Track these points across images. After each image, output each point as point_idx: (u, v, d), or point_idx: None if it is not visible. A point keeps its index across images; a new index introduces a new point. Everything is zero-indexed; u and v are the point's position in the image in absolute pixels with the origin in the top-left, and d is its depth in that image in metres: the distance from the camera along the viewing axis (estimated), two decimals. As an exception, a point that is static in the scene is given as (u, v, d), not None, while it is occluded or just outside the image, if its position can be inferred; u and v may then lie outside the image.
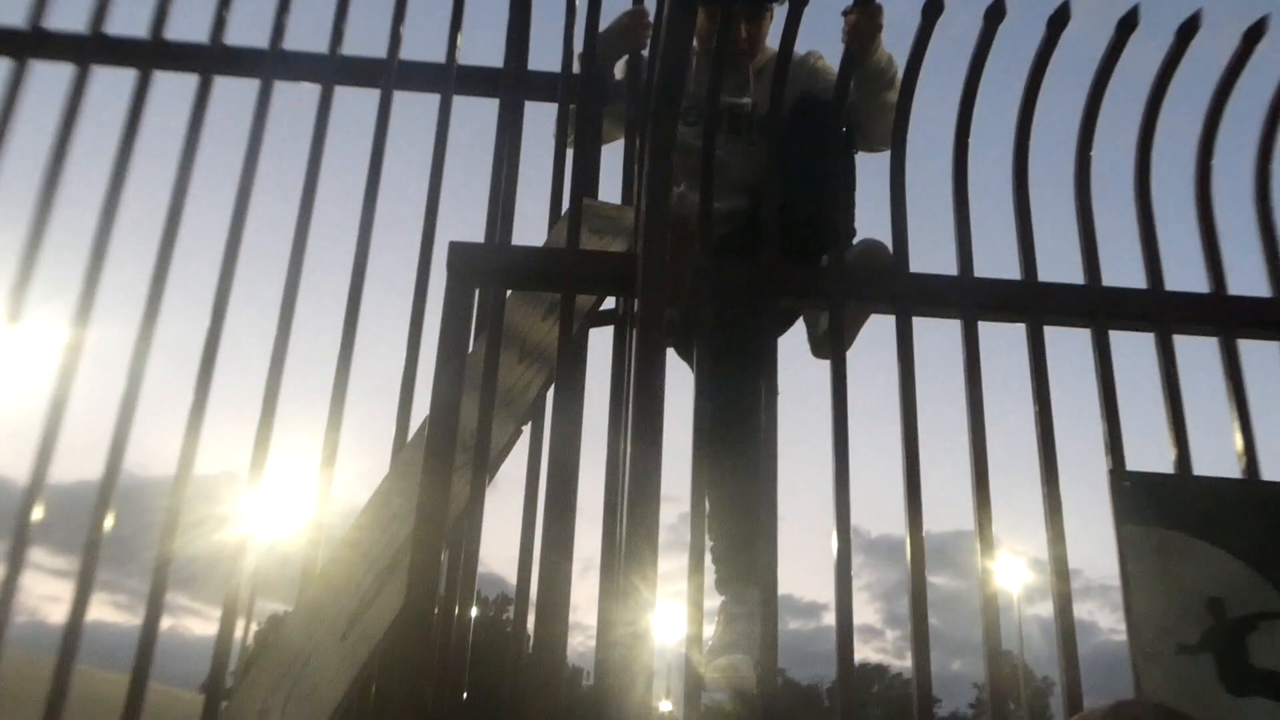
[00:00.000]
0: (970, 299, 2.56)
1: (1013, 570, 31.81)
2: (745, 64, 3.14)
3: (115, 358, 2.78)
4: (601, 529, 2.45)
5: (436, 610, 2.30)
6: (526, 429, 2.57)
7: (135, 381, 2.62)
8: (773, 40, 3.24)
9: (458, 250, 2.51)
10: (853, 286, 2.57)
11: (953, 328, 2.59)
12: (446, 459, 2.32)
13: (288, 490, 2.64)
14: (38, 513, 2.52)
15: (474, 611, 2.44)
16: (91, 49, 2.95)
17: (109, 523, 2.51)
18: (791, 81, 2.81)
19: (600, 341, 2.70)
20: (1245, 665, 2.24)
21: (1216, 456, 2.52)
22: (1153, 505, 2.37)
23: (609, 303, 2.69)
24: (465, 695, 2.37)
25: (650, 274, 2.32)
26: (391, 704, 2.27)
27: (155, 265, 2.73)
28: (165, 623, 2.47)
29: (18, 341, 2.70)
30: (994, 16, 2.60)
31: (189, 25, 2.99)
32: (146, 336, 2.67)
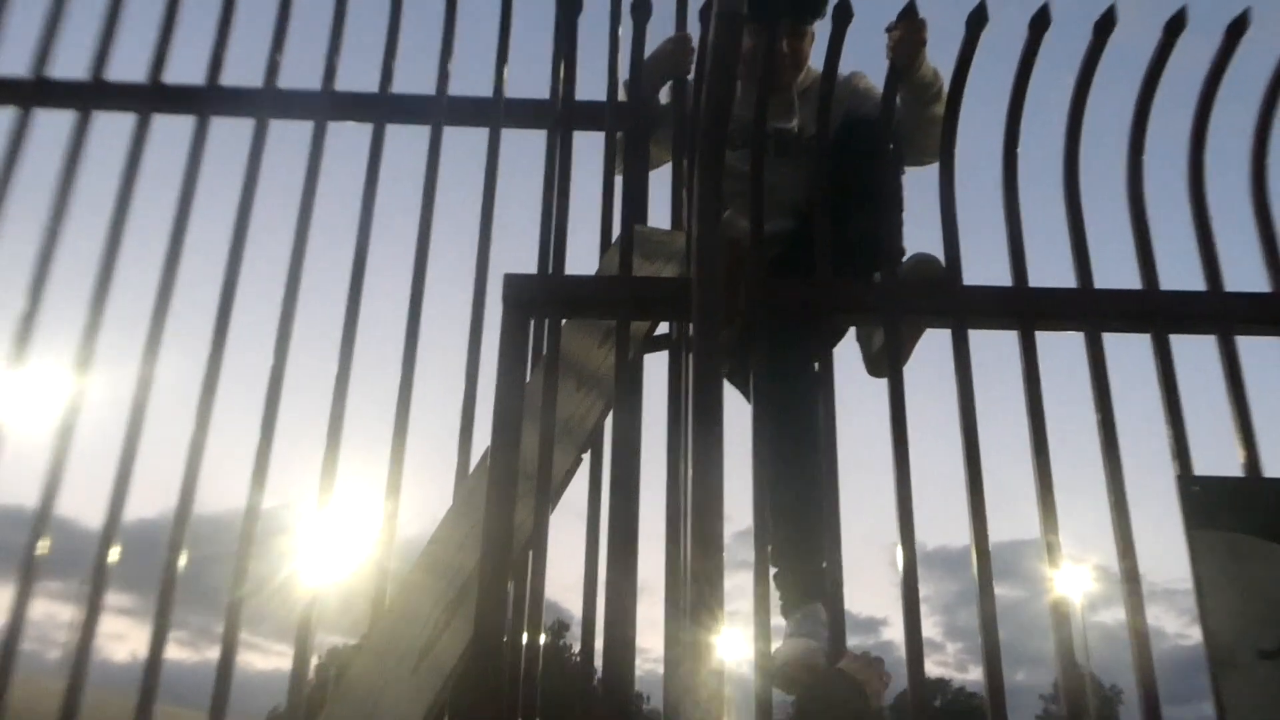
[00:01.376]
0: (1027, 309, 2.54)
1: (1075, 578, 31.28)
2: (790, 84, 3.15)
3: (176, 398, 2.85)
4: (665, 554, 2.45)
5: (505, 639, 2.32)
6: (586, 456, 2.59)
7: (203, 422, 2.68)
8: (815, 62, 3.24)
9: (512, 281, 2.53)
10: (907, 301, 2.56)
11: (999, 339, 2.57)
12: (510, 489, 2.35)
13: (350, 523, 2.68)
14: (114, 554, 2.58)
15: (543, 639, 2.45)
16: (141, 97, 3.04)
17: (182, 562, 2.56)
18: (836, 102, 2.82)
19: (656, 366, 2.73)
20: (1327, 670, 2.20)
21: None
22: (1223, 509, 2.34)
23: (662, 327, 2.71)
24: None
25: (705, 297, 2.34)
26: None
27: (219, 306, 2.79)
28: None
29: (78, 388, 2.77)
30: (1039, 25, 2.59)
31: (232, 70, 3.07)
32: (212, 380, 2.72)
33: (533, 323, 2.63)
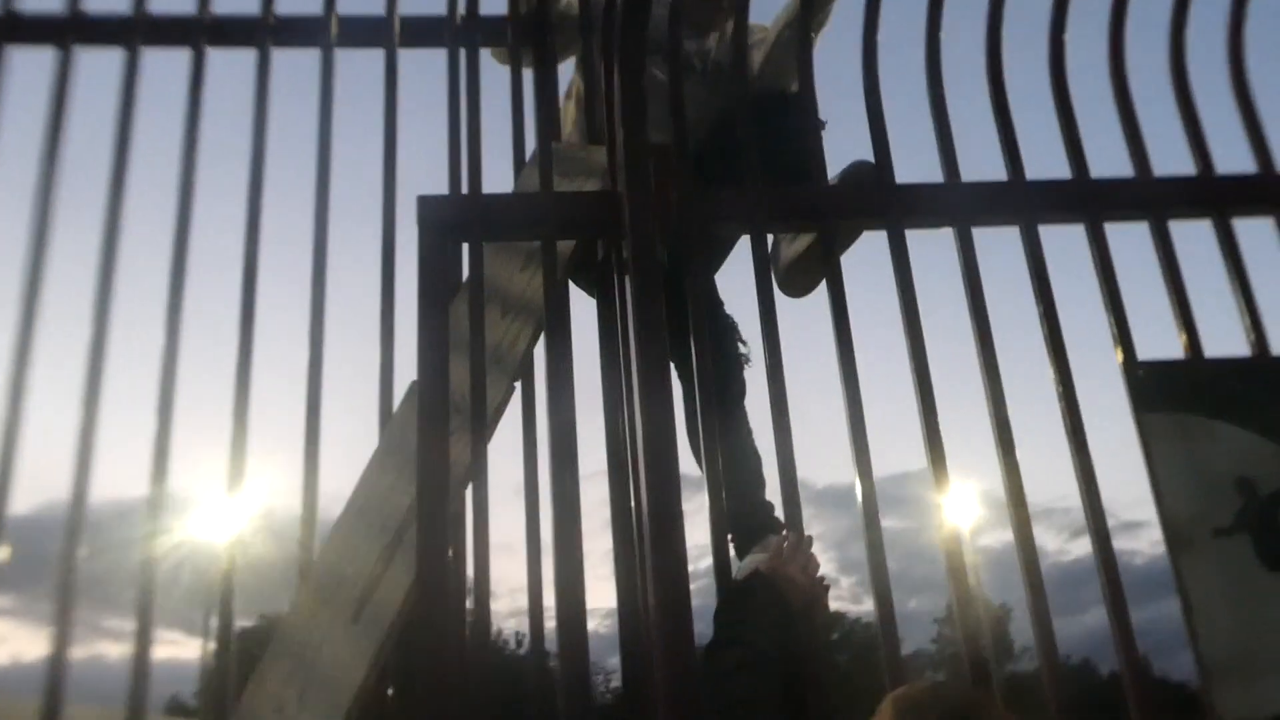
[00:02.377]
0: (964, 205, 2.47)
1: (962, 503, 31.84)
2: (721, 17, 3.02)
3: (54, 378, 2.59)
4: (609, 487, 2.32)
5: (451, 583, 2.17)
6: (517, 386, 2.45)
7: (91, 406, 2.42)
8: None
9: (427, 203, 2.36)
10: (845, 205, 2.47)
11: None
12: (442, 422, 2.19)
13: (265, 484, 2.49)
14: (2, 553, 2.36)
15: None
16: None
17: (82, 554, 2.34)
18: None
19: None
20: (1282, 541, 2.21)
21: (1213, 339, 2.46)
22: (1169, 391, 2.32)
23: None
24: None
25: (638, 210, 2.21)
26: (413, 683, 2.15)
27: (100, 262, 2.55)
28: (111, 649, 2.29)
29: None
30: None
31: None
32: (99, 347, 2.48)
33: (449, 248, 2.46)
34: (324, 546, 2.33)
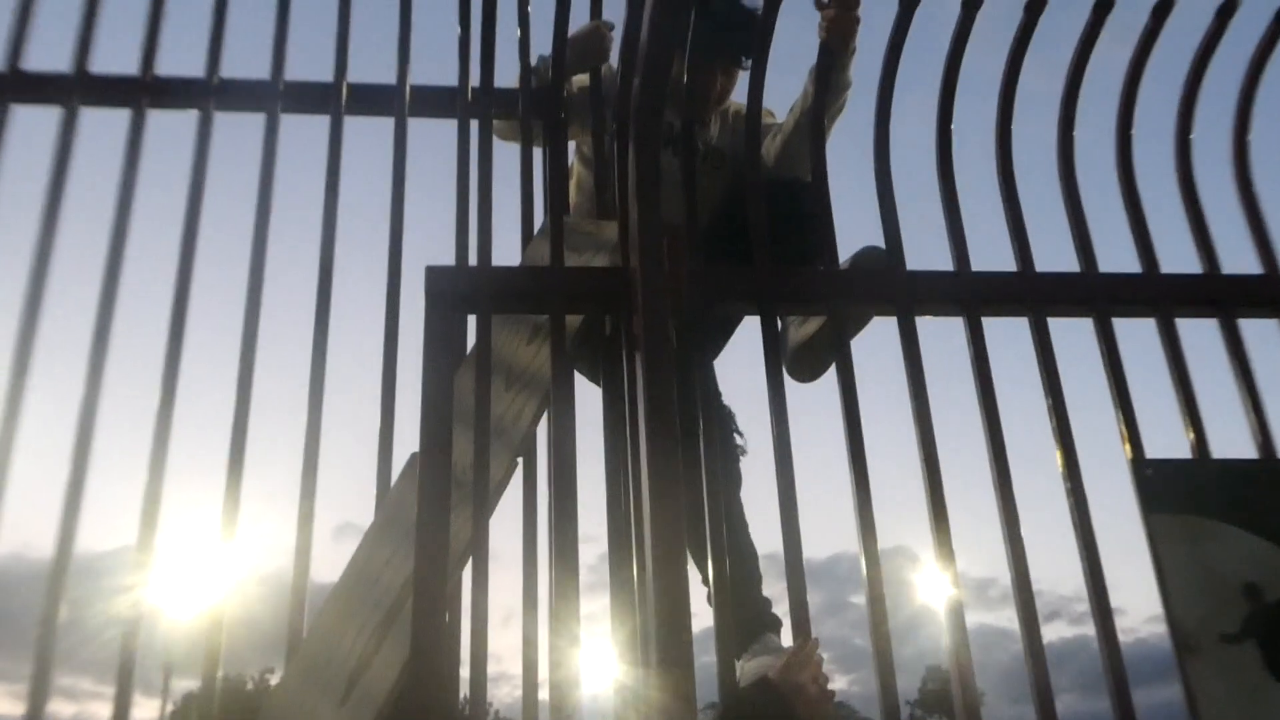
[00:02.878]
0: (973, 294, 2.47)
1: (939, 583, 31.72)
2: (710, 108, 3.06)
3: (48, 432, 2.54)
4: (609, 565, 2.28)
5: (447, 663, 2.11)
6: (520, 461, 2.41)
7: (81, 460, 2.38)
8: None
9: (435, 274, 2.33)
10: (854, 288, 2.46)
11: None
12: (444, 495, 2.14)
13: (257, 548, 2.43)
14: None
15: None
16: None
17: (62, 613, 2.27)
18: (735, 131, 2.90)
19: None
20: (1289, 651, 2.17)
21: (1220, 438, 2.45)
22: (1178, 492, 2.30)
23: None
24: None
25: (651, 286, 2.19)
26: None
27: (98, 315, 2.50)
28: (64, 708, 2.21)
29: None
30: (972, 4, 2.54)
31: (115, 55, 2.78)
32: (91, 401, 2.43)
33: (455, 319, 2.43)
34: (314, 621, 2.26)
